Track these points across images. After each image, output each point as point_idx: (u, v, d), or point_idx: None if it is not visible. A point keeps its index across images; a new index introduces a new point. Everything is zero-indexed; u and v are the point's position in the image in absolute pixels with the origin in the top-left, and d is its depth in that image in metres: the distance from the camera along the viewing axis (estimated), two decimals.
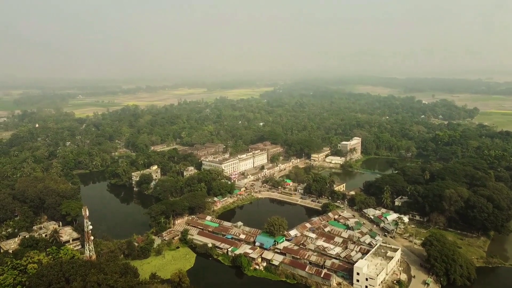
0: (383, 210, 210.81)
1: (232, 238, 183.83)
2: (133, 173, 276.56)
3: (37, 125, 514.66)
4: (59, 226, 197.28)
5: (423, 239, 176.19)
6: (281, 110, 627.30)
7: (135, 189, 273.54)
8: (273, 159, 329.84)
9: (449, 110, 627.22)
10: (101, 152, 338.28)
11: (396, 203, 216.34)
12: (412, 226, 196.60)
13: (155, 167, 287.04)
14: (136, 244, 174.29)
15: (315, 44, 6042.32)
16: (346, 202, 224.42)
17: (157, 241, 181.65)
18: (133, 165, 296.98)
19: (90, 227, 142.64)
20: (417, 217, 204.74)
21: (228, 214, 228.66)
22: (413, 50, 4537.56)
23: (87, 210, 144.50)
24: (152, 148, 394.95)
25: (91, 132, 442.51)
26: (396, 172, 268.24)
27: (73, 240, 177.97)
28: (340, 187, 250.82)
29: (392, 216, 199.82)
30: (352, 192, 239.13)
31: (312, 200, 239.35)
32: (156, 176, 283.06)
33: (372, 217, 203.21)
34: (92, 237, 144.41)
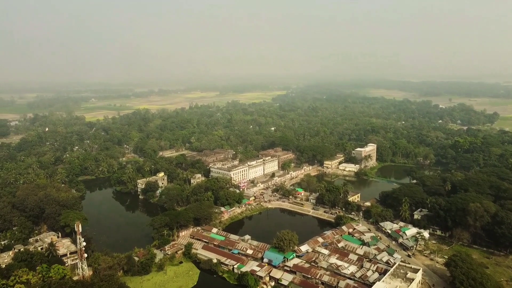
0: (401, 223, 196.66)
1: (238, 253, 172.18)
2: (138, 181, 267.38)
3: (47, 129, 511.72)
4: (58, 237, 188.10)
5: (445, 257, 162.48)
6: (294, 114, 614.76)
7: (140, 197, 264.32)
8: (284, 166, 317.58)
9: (467, 115, 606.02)
10: (107, 158, 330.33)
11: (415, 216, 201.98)
12: (433, 242, 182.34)
13: (162, 174, 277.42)
14: (137, 258, 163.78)
15: (328, 47, 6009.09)
16: (361, 214, 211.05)
17: (159, 255, 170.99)
18: (139, 171, 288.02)
19: (83, 243, 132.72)
20: (438, 232, 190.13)
21: (236, 225, 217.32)
22: (427, 53, 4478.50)
23: (80, 225, 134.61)
24: (161, 153, 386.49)
25: (99, 136, 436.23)
26: (414, 182, 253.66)
27: (71, 253, 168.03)
28: (354, 198, 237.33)
29: (411, 230, 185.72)
30: (368, 203, 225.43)
31: (325, 211, 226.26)
32: (162, 183, 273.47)
33: (390, 232, 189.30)
34: (85, 255, 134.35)
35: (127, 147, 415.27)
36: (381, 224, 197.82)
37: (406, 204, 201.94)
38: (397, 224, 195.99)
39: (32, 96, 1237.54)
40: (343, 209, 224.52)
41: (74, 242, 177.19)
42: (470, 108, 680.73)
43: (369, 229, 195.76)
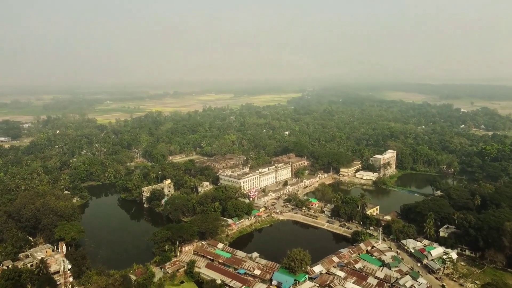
0: (426, 241, 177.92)
1: (245, 273, 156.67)
2: (143, 188, 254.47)
3: (57, 132, 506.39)
4: (53, 250, 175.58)
5: (477, 282, 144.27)
6: (309, 118, 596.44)
7: (145, 205, 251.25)
8: (297, 174, 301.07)
9: (492, 119, 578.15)
10: (114, 163, 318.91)
11: (441, 234, 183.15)
12: (462, 264, 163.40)
13: (168, 181, 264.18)
14: (134, 277, 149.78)
15: (344, 50, 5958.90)
16: (380, 230, 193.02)
17: (159, 273, 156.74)
18: (145, 178, 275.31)
19: (68, 266, 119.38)
20: (467, 252, 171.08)
21: (244, 239, 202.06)
22: (447, 54, 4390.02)
23: (64, 247, 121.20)
24: (170, 158, 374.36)
25: (109, 140, 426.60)
26: (438, 193, 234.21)
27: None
28: (373, 210, 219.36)
29: (437, 250, 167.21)
30: (388, 217, 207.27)
31: (340, 225, 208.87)
32: (169, 191, 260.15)
33: (413, 251, 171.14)
34: (71, 279, 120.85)
35: (136, 151, 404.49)
36: (403, 241, 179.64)
37: (431, 220, 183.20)
38: (421, 242, 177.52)
39: (48, 98, 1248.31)
40: (361, 223, 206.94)
41: (68, 257, 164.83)
42: (494, 112, 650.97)
43: (389, 247, 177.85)
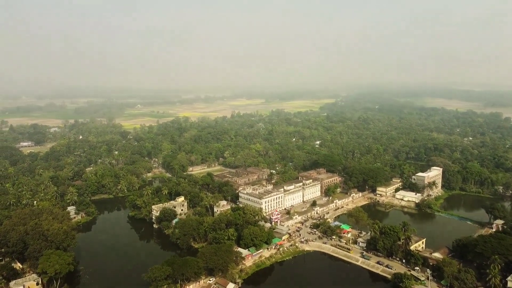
0: None
1: None
2: (153, 206, 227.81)
3: (80, 137, 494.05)
4: (38, 284, 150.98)
5: None
6: (342, 126, 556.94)
7: (155, 225, 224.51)
8: (328, 192, 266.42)
9: None
10: (128, 174, 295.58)
11: (510, 284, 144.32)
12: None
13: (182, 199, 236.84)
14: None
15: (380, 54, 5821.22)
16: (428, 272, 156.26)
17: None
18: (157, 194, 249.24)
19: None
20: None
21: (261, 275, 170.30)
22: (490, 59, 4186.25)
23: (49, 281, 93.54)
24: (190, 169, 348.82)
25: (129, 147, 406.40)
26: (500, 225, 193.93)
27: None
28: (418, 244, 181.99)
29: None
30: (437, 255, 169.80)
31: (378, 262, 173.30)
32: (182, 210, 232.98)
33: None
34: None
35: (156, 160, 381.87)
36: None
37: (496, 266, 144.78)
38: None
39: (83, 101, 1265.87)
40: (403, 261, 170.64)
41: None
42: None
43: None
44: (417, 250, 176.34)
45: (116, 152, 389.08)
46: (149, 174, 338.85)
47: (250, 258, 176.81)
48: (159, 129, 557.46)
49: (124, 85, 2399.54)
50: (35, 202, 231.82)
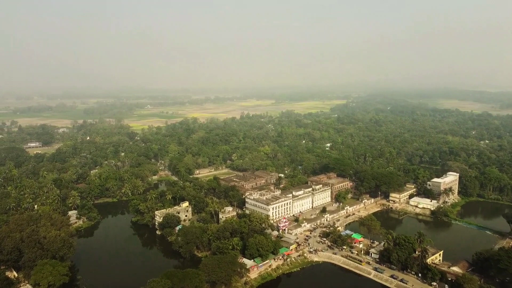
0: None
1: None
2: (156, 212, 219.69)
3: (88, 138, 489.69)
4: None
5: None
6: (353, 128, 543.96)
7: (157, 232, 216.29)
8: (338, 198, 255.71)
9: None
10: (133, 177, 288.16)
11: None
12: None
13: (186, 204, 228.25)
14: None
15: (391, 55, 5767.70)
16: None
17: None
18: (161, 199, 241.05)
19: None
20: None
21: None
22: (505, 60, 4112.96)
23: None
24: (197, 172, 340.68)
25: (135, 149, 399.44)
26: None
27: None
28: (435, 257, 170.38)
29: None
30: (456, 269, 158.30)
31: (392, 276, 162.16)
32: (186, 215, 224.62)
33: None
34: None
35: (162, 162, 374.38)
36: None
37: None
38: None
39: (93, 102, 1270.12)
40: (419, 275, 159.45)
41: None
42: None
43: None
44: (434, 263, 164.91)
45: (123, 154, 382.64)
46: (155, 177, 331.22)
47: (256, 270, 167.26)
48: (167, 130, 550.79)
49: (134, 86, 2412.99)
50: (35, 206, 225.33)
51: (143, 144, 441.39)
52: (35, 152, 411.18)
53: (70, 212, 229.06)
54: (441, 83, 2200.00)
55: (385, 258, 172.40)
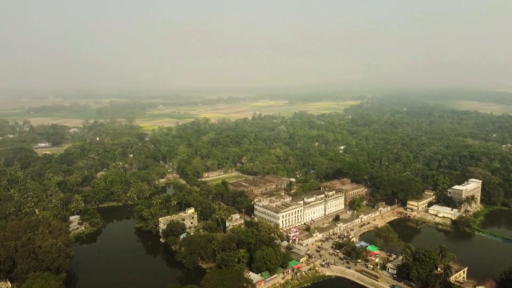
0: None
1: None
2: (160, 219, 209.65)
3: (97, 139, 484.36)
4: None
5: None
6: (368, 130, 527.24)
7: (161, 240, 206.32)
8: (352, 205, 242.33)
9: None
10: (139, 181, 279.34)
11: None
12: None
13: (191, 210, 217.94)
14: None
15: (405, 55, 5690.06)
16: None
17: None
18: (166, 205, 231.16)
19: None
20: None
21: None
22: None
23: None
24: (206, 175, 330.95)
25: (144, 151, 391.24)
26: None
27: None
28: (459, 274, 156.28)
29: None
30: None
31: None
32: (191, 223, 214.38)
33: None
34: None
35: (171, 164, 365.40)
36: None
37: None
38: None
39: (107, 101, 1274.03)
40: None
41: None
42: None
43: None
44: (458, 282, 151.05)
45: (131, 155, 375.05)
46: (162, 180, 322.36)
47: (263, 285, 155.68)
48: (177, 131, 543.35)
49: (148, 86, 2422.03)
50: (36, 211, 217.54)
51: (152, 146, 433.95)
52: (43, 153, 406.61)
53: (72, 217, 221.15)
54: (460, 83, 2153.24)
55: (403, 274, 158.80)
